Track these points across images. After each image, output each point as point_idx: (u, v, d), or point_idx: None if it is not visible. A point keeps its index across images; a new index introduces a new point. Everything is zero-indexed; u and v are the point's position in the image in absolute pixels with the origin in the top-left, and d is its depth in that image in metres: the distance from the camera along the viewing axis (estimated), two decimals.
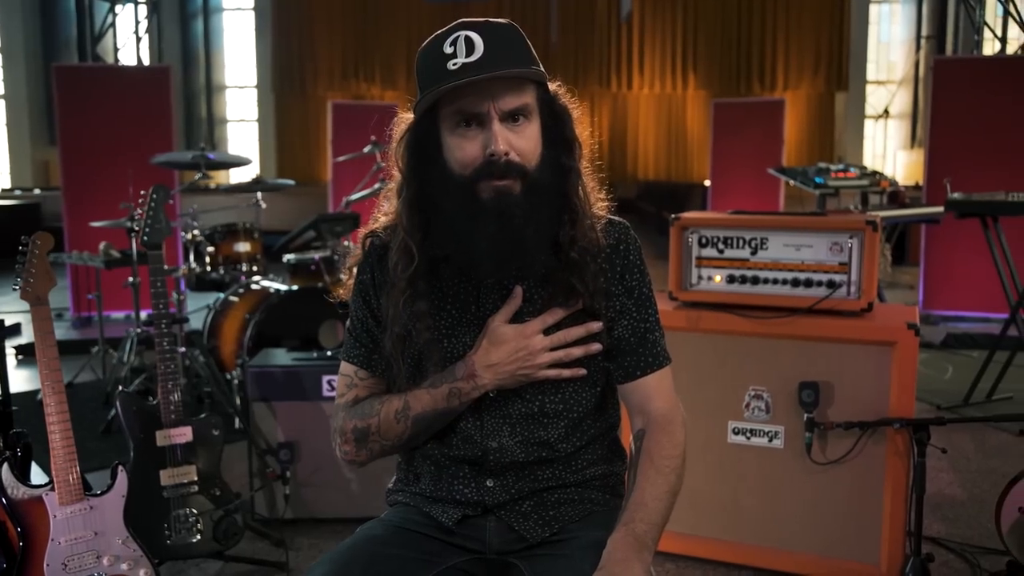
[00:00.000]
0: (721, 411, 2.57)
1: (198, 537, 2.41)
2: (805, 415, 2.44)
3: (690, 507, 2.61)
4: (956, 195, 4.23)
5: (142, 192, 2.71)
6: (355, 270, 1.46)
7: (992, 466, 3.48)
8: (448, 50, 1.25)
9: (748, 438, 2.55)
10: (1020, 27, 7.04)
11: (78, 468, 2.04)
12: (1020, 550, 2.22)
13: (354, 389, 1.44)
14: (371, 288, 1.42)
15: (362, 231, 1.48)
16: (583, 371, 1.38)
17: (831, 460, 2.46)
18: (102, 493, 2.08)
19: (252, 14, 13.56)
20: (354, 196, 4.83)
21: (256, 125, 13.75)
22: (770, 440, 2.53)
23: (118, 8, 7.91)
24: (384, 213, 1.45)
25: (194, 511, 2.42)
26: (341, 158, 5.82)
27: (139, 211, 3.66)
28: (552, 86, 1.36)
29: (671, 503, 1.32)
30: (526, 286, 1.37)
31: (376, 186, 4.75)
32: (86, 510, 2.04)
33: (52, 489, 2.01)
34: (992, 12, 8.44)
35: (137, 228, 3.88)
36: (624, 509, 1.29)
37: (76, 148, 6.56)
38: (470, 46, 1.24)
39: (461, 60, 1.24)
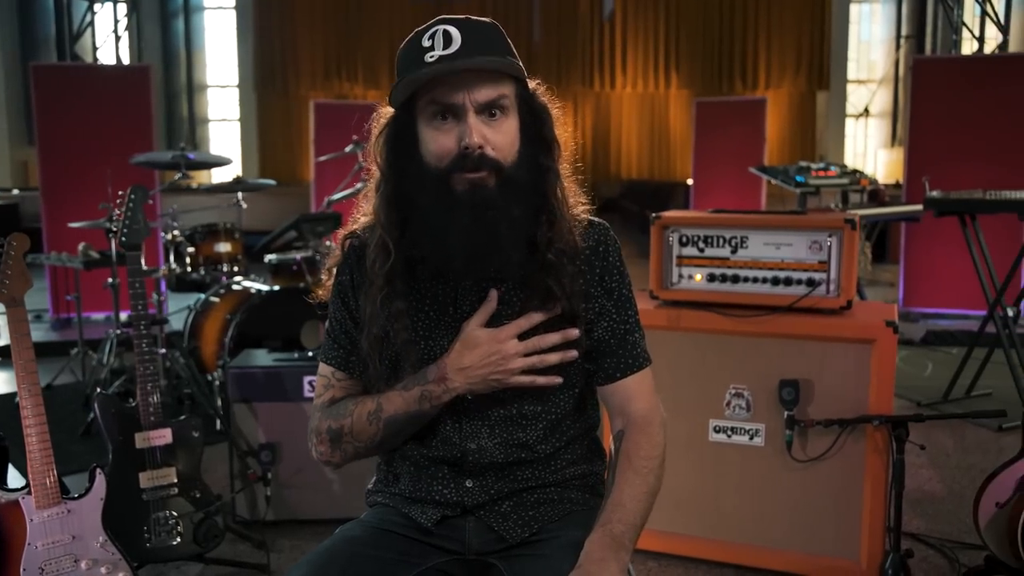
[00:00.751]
0: (702, 409, 2.58)
1: (178, 540, 2.40)
2: (785, 413, 2.46)
3: (671, 505, 2.61)
4: (935, 193, 4.26)
5: (120, 192, 2.69)
6: (334, 271, 1.46)
7: (971, 462, 3.51)
8: (426, 43, 1.26)
9: (729, 436, 2.56)
10: (997, 27, 7.10)
11: (55, 471, 2.02)
12: (998, 545, 2.24)
13: (331, 390, 1.44)
14: (350, 289, 1.42)
15: (342, 232, 1.47)
16: (558, 380, 1.37)
17: (811, 457, 2.47)
18: (80, 496, 2.06)
19: (234, 13, 13.48)
20: (336, 196, 4.81)
21: (238, 125, 13.68)
22: (751, 438, 2.54)
23: (97, 7, 7.84)
24: (364, 214, 1.45)
25: (174, 513, 2.40)
26: (323, 158, 5.79)
27: (117, 212, 3.64)
28: (531, 84, 1.36)
29: (650, 503, 1.32)
30: (504, 289, 1.36)
31: (358, 186, 4.73)
32: (63, 514, 2.02)
33: (29, 493, 1.99)
34: (970, 12, 8.51)
35: (116, 229, 3.86)
36: (602, 510, 1.30)
37: (54, 148, 6.50)
38: (448, 40, 1.24)
39: (438, 52, 1.24)
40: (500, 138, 1.28)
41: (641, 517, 1.29)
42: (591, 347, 1.41)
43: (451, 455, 1.39)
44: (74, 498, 2.05)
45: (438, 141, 1.27)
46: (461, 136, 1.25)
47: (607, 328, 1.41)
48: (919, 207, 4.99)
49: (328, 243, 4.42)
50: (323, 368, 1.45)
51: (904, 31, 13.12)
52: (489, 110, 1.27)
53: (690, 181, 9.51)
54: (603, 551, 1.21)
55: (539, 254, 1.34)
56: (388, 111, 1.37)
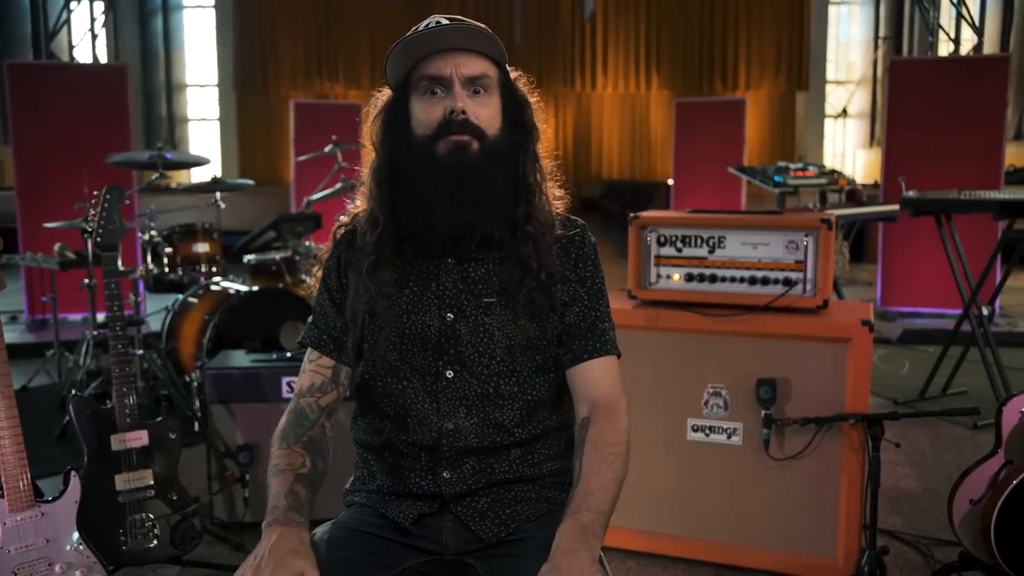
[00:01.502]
0: (680, 409, 2.59)
1: (155, 542, 2.37)
2: (763, 411, 2.47)
3: (650, 504, 2.63)
4: (911, 193, 4.30)
5: (95, 192, 2.66)
6: (324, 259, 1.53)
7: (947, 459, 3.55)
8: (420, 29, 1.38)
9: (707, 435, 2.58)
10: (972, 29, 7.18)
11: (29, 474, 1.99)
12: (971, 541, 2.26)
13: (307, 373, 1.48)
14: (334, 271, 1.48)
15: (336, 223, 1.55)
16: None
17: (788, 456, 2.49)
18: (54, 499, 2.04)
19: (213, 12, 13.39)
20: (315, 196, 4.79)
21: (218, 124, 13.60)
22: (729, 437, 2.55)
23: (73, 5, 7.75)
24: (356, 205, 1.53)
25: (151, 516, 2.38)
26: (302, 157, 5.78)
27: (93, 212, 3.60)
28: (513, 74, 1.46)
29: (617, 491, 1.34)
30: (484, 269, 1.42)
31: (338, 186, 4.72)
32: (37, 517, 1.99)
33: (1, 496, 1.97)
34: (946, 14, 8.60)
35: (91, 229, 3.82)
36: (571, 499, 1.31)
37: (30, 148, 6.42)
38: (439, 25, 1.37)
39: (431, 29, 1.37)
40: (483, 111, 1.38)
41: (610, 504, 1.31)
42: (562, 331, 1.45)
43: (428, 437, 1.40)
44: (48, 501, 2.03)
45: (427, 112, 1.37)
46: (447, 105, 1.36)
47: (578, 313, 1.45)
48: (896, 207, 5.03)
49: (307, 243, 4.40)
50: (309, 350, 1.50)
51: (882, 32, 13.24)
52: (473, 86, 1.38)
53: (671, 181, 9.54)
54: (573, 541, 1.22)
55: (518, 229, 1.41)
56: (385, 94, 1.47)
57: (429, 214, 1.36)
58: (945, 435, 3.86)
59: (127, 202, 2.95)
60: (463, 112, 1.35)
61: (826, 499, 2.46)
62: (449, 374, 1.40)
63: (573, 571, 1.18)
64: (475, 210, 1.35)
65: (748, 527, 2.56)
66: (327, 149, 4.98)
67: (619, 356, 1.48)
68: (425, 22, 1.39)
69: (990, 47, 9.58)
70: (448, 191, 1.34)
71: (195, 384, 3.90)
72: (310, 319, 1.51)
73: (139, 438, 2.38)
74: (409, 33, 1.38)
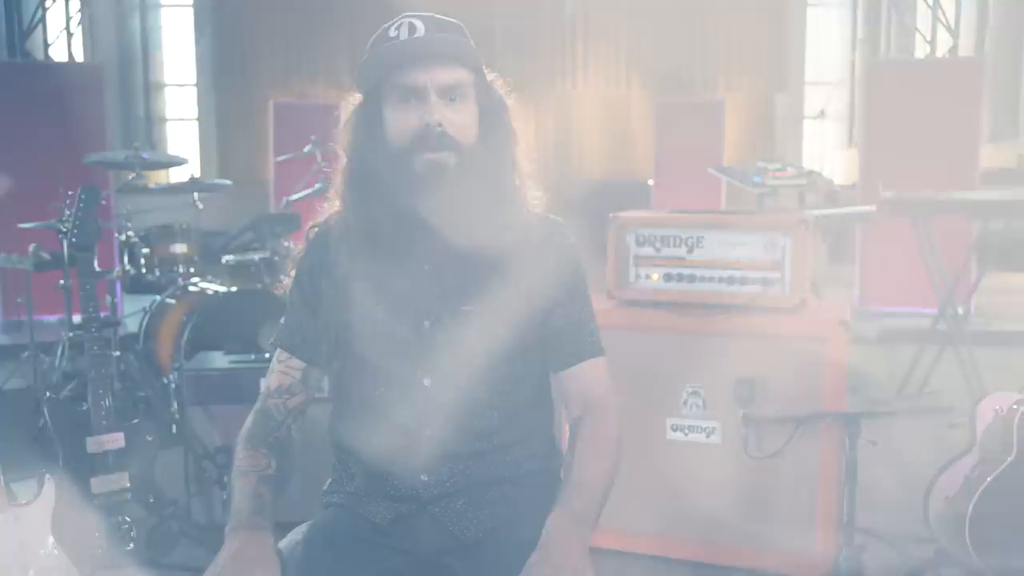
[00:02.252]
0: (659, 408, 2.60)
1: (132, 545, 2.36)
2: (741, 411, 2.48)
3: (631, 504, 2.62)
4: (888, 194, 4.34)
5: (69, 193, 2.64)
6: (298, 260, 1.52)
7: (922, 457, 3.57)
8: (392, 33, 1.34)
9: (686, 435, 2.59)
10: (948, 31, 7.26)
11: (2, 478, 1.97)
12: (947, 537, 2.29)
13: (276, 374, 1.47)
14: (307, 274, 1.47)
15: (310, 223, 1.53)
16: None
17: (766, 454, 2.50)
18: (28, 503, 2.02)
19: (191, 11, 13.29)
20: (295, 196, 4.76)
21: (196, 124, 13.49)
22: (707, 436, 2.57)
23: (48, 2, 7.67)
24: (331, 205, 1.50)
25: (127, 519, 2.36)
26: (281, 158, 5.74)
27: (68, 212, 3.56)
28: (489, 76, 1.43)
29: (609, 485, 1.34)
30: (462, 277, 1.40)
31: (317, 186, 4.69)
32: (11, 520, 1.97)
33: None
34: (923, 17, 8.69)
35: (66, 229, 3.78)
36: (561, 492, 1.31)
37: (4, 148, 6.35)
38: (412, 29, 1.33)
39: (403, 38, 1.33)
40: (460, 119, 1.35)
41: (602, 495, 1.31)
42: (547, 335, 1.44)
43: (406, 444, 1.39)
44: (22, 504, 2.01)
45: (401, 120, 1.35)
46: (423, 116, 1.32)
47: (562, 316, 1.44)
48: (873, 207, 5.07)
49: (286, 244, 4.37)
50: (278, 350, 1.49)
51: (860, 34, 13.34)
52: (449, 94, 1.35)
53: (651, 181, 9.57)
54: (564, 529, 1.22)
55: (496, 235, 1.39)
56: (356, 98, 1.44)
57: (406, 224, 1.35)
58: (921, 433, 3.89)
59: (103, 203, 2.92)
60: (439, 125, 1.32)
61: (804, 497, 2.48)
62: (426, 382, 1.38)
63: (563, 560, 1.17)
64: (453, 220, 1.35)
65: (727, 525, 2.57)
66: (306, 149, 4.95)
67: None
68: (396, 23, 1.36)
69: (966, 49, 9.68)
70: (426, 205, 1.33)
71: (173, 386, 3.86)
72: (282, 320, 1.50)
73: (115, 440, 2.36)
74: (380, 36, 1.36)
